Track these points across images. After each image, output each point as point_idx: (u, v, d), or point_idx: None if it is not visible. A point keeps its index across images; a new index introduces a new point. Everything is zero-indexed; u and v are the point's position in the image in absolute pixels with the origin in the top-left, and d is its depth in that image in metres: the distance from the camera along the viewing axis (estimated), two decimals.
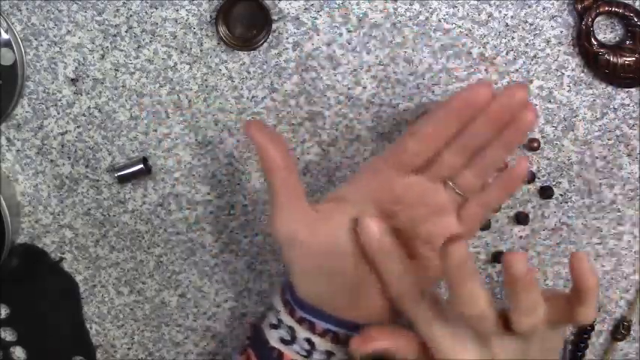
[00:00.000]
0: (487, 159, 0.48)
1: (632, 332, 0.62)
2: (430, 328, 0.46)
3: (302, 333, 0.50)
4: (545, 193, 0.59)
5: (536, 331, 0.44)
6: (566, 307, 0.44)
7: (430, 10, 0.55)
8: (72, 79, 0.58)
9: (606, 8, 0.54)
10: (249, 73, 0.57)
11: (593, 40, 0.55)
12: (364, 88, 0.57)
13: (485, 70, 0.56)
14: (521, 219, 0.60)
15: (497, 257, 0.61)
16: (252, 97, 0.58)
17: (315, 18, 0.56)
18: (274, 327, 0.51)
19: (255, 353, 0.52)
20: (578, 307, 0.43)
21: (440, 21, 0.56)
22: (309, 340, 0.50)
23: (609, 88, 0.57)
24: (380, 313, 0.50)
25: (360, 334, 0.48)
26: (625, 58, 0.55)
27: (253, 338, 0.53)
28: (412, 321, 0.48)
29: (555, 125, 0.58)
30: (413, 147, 0.47)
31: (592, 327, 0.62)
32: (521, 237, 0.60)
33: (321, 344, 0.50)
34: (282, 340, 0.50)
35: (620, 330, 0.61)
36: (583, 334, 0.62)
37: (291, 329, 0.50)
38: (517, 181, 0.48)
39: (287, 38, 0.56)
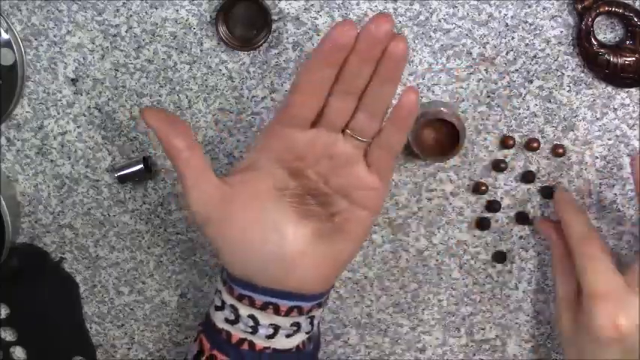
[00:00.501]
0: (373, 97, 0.47)
1: None
2: (582, 241, 0.54)
3: (244, 310, 0.50)
4: (545, 192, 0.59)
5: None
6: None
7: (430, 10, 0.55)
8: (72, 79, 0.58)
9: (606, 8, 0.54)
10: (249, 73, 0.57)
11: (593, 40, 0.55)
12: None
13: (486, 70, 0.56)
14: (521, 219, 0.60)
15: (497, 257, 0.61)
16: (252, 97, 0.58)
17: (315, 18, 0.56)
18: (219, 308, 0.51)
19: (206, 338, 0.52)
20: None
21: (440, 21, 0.56)
22: (252, 317, 0.50)
23: (609, 88, 0.57)
24: (316, 279, 0.50)
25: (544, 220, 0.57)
26: (625, 58, 0.55)
27: (204, 323, 0.53)
28: (568, 234, 0.55)
29: (555, 125, 0.58)
30: (297, 99, 0.46)
31: None
32: (521, 237, 0.60)
33: (264, 318, 0.49)
34: (227, 320, 0.50)
35: None
36: None
37: (233, 308, 0.50)
38: (408, 114, 0.47)
39: (287, 38, 0.56)
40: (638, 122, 0.57)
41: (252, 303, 0.50)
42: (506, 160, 0.58)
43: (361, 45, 0.44)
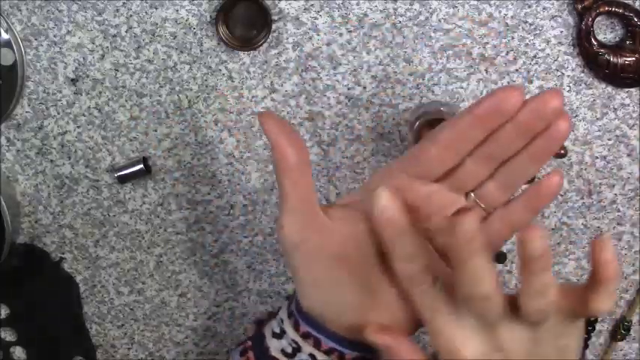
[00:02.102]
0: (514, 171, 0.44)
1: (631, 332, 0.62)
2: (433, 314, 0.43)
3: (306, 348, 0.47)
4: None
5: (547, 319, 0.41)
6: (581, 297, 0.40)
7: (430, 10, 0.55)
8: (72, 79, 0.58)
9: (606, 8, 0.54)
10: (249, 73, 0.57)
11: (593, 40, 0.55)
12: (364, 88, 0.57)
13: (486, 70, 0.56)
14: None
15: (497, 258, 0.61)
16: (252, 97, 0.58)
17: (315, 18, 0.56)
18: (277, 336, 0.48)
19: (255, 358, 0.49)
20: (595, 296, 0.39)
21: (440, 21, 0.56)
22: (312, 356, 0.47)
23: (609, 88, 0.57)
24: None
25: (376, 324, 0.45)
26: (625, 58, 0.55)
27: (255, 340, 0.50)
28: (416, 305, 0.44)
29: None
30: (434, 153, 0.43)
31: (593, 327, 0.62)
32: None
33: None
34: (284, 352, 0.48)
35: (620, 330, 0.61)
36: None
37: (294, 342, 0.47)
38: (546, 197, 0.44)
39: (287, 38, 0.56)
40: (638, 122, 0.57)
41: (317, 345, 0.46)
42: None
43: (525, 115, 0.41)
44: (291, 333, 0.48)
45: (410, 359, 0.44)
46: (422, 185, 0.45)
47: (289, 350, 0.48)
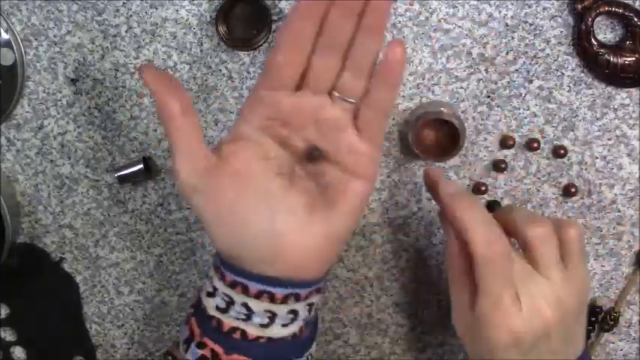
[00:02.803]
0: (358, 52, 0.44)
1: (620, 323, 0.62)
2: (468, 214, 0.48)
3: (237, 297, 0.47)
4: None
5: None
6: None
7: (430, 10, 0.55)
8: (72, 79, 0.58)
9: (606, 8, 0.54)
10: (249, 73, 0.57)
11: (593, 40, 0.55)
12: None
13: (486, 70, 0.56)
14: None
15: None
16: None
17: None
18: (210, 294, 0.49)
19: (197, 323, 0.49)
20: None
21: (440, 21, 0.56)
22: (245, 305, 0.47)
23: (609, 88, 0.57)
24: (311, 262, 0.47)
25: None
26: (625, 58, 0.55)
27: (195, 306, 0.51)
28: (449, 201, 0.49)
29: (555, 125, 0.58)
30: (278, 59, 0.45)
31: (593, 327, 0.62)
32: None
33: (259, 306, 0.47)
34: (219, 308, 0.48)
35: (607, 321, 0.61)
36: None
37: (226, 296, 0.48)
38: (395, 68, 0.44)
39: None
40: (638, 122, 0.57)
41: (245, 291, 0.47)
42: (506, 160, 0.58)
43: None
44: (220, 287, 0.48)
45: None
46: (285, 97, 0.46)
47: (223, 305, 0.48)
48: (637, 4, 0.54)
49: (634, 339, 0.63)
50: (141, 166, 0.59)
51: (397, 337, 0.64)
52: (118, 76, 0.58)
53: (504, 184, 0.59)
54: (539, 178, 0.59)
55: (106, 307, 0.64)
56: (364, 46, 0.44)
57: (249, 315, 0.47)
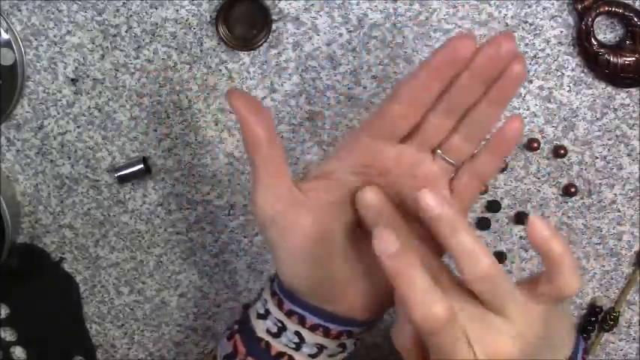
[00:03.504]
0: (475, 120, 0.44)
1: (620, 323, 0.62)
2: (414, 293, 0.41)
3: (291, 326, 0.47)
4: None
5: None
6: (546, 285, 0.40)
7: (430, 10, 0.55)
8: (72, 79, 0.58)
9: (606, 8, 0.54)
10: (249, 73, 0.57)
11: (593, 40, 0.55)
12: (364, 88, 0.57)
13: None
14: (521, 219, 0.60)
15: (497, 257, 0.61)
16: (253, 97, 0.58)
17: (315, 18, 0.56)
18: (262, 317, 0.48)
19: (242, 342, 0.49)
20: (556, 279, 0.40)
21: (440, 21, 0.56)
22: (298, 334, 0.47)
23: (609, 88, 0.57)
24: (373, 304, 0.47)
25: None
26: (625, 58, 0.55)
27: (241, 324, 0.50)
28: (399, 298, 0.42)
29: (555, 125, 0.58)
30: (396, 111, 0.43)
31: (593, 327, 0.62)
32: (521, 237, 0.60)
33: (311, 338, 0.47)
34: (269, 332, 0.48)
35: (607, 321, 0.61)
36: (582, 333, 0.62)
37: (279, 321, 0.47)
38: (509, 141, 0.44)
39: (287, 38, 0.56)
40: (638, 122, 0.57)
41: (301, 322, 0.47)
42: (506, 160, 0.58)
43: (479, 61, 0.41)
44: (275, 312, 0.48)
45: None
46: (389, 147, 0.45)
47: (274, 330, 0.48)
48: (637, 4, 0.54)
49: (634, 339, 0.63)
50: (141, 166, 0.59)
51: None
52: (118, 76, 0.58)
53: (504, 184, 0.59)
54: (539, 178, 0.59)
55: (106, 307, 0.64)
56: (485, 115, 0.43)
57: (299, 344, 0.47)
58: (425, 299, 0.39)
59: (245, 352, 0.49)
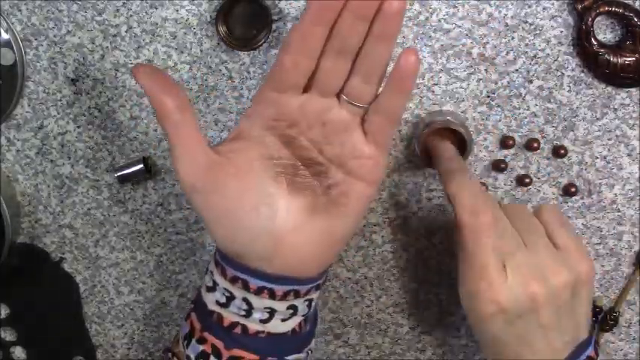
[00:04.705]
0: (368, 58, 0.44)
1: (620, 323, 0.62)
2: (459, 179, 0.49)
3: (238, 293, 0.48)
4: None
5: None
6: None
7: (430, 10, 0.55)
8: (72, 79, 0.58)
9: (606, 8, 0.54)
10: (249, 73, 0.57)
11: (593, 40, 0.55)
12: None
13: (485, 70, 0.56)
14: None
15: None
16: (252, 97, 0.58)
17: None
18: (210, 289, 0.49)
19: (197, 318, 0.50)
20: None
21: (440, 21, 0.56)
22: (245, 300, 0.47)
23: (609, 88, 0.57)
24: (309, 259, 0.48)
25: None
26: (625, 58, 0.55)
27: (196, 302, 0.51)
28: (444, 177, 0.50)
29: (555, 125, 0.58)
30: (287, 60, 0.44)
31: (593, 327, 0.62)
32: None
33: (259, 302, 0.47)
34: (219, 303, 0.48)
35: (607, 321, 0.61)
36: None
37: (226, 290, 0.48)
38: (407, 75, 0.44)
39: None
40: (638, 122, 0.57)
41: (245, 286, 0.47)
42: (506, 160, 0.58)
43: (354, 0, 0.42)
44: (221, 282, 0.49)
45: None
46: (292, 98, 0.46)
47: (223, 300, 0.48)
48: (637, 4, 0.54)
49: (634, 339, 0.63)
50: (141, 166, 0.59)
51: (397, 337, 0.64)
52: (118, 76, 0.58)
53: (504, 184, 0.59)
54: (539, 178, 0.59)
55: (106, 307, 0.64)
56: (375, 51, 0.44)
57: (249, 310, 0.48)
58: (473, 201, 0.48)
59: (200, 328, 0.49)
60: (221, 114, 0.58)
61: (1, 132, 0.59)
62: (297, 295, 0.48)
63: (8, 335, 0.64)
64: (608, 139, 0.58)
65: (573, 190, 0.58)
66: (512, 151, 0.58)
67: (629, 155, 0.58)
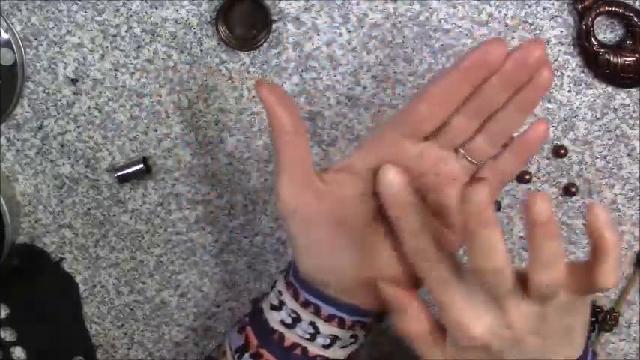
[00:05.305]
0: (500, 124, 0.44)
1: (620, 323, 0.62)
2: (444, 288, 0.43)
3: (306, 316, 0.47)
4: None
5: (555, 295, 0.41)
6: (585, 275, 0.41)
7: (430, 10, 0.55)
8: (72, 79, 0.58)
9: (606, 8, 0.54)
10: (249, 73, 0.57)
11: (593, 40, 0.55)
12: (364, 88, 0.57)
13: None
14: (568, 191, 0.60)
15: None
16: (252, 97, 0.58)
17: (315, 18, 0.56)
18: (275, 308, 0.49)
19: (254, 332, 0.49)
20: (598, 270, 0.40)
21: (440, 21, 0.56)
22: (313, 324, 0.47)
23: (609, 88, 0.57)
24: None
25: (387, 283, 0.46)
26: (625, 58, 0.55)
27: (253, 316, 0.50)
28: (425, 281, 0.44)
29: (555, 125, 0.58)
30: (423, 111, 0.43)
31: (593, 327, 0.62)
32: (521, 237, 0.60)
33: (326, 328, 0.47)
34: (283, 323, 0.48)
35: (607, 321, 0.61)
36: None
37: (294, 312, 0.48)
38: (533, 145, 0.45)
39: (287, 38, 0.56)
40: (638, 122, 0.57)
41: (317, 312, 0.47)
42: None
43: (508, 67, 0.41)
44: (290, 303, 0.48)
45: (416, 316, 0.45)
46: (412, 144, 0.45)
47: (289, 321, 0.48)
48: (637, 4, 0.54)
49: (634, 339, 0.63)
50: (141, 166, 0.59)
51: (397, 337, 0.64)
52: (118, 76, 0.58)
53: None
54: (539, 178, 0.59)
55: (106, 307, 0.64)
56: (510, 119, 0.44)
57: (314, 335, 0.48)
58: (464, 316, 0.42)
59: (257, 344, 0.49)
60: (221, 114, 0.59)
61: (1, 132, 0.59)
62: (363, 326, 0.48)
63: (8, 335, 0.64)
64: (608, 139, 0.58)
65: (573, 190, 0.58)
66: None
67: (629, 155, 0.58)
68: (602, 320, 0.61)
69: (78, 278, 0.63)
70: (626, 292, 0.61)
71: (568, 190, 0.58)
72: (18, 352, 0.65)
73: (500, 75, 0.42)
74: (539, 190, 0.59)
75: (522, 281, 0.41)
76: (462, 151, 0.46)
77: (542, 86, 0.43)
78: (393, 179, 0.44)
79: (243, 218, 0.61)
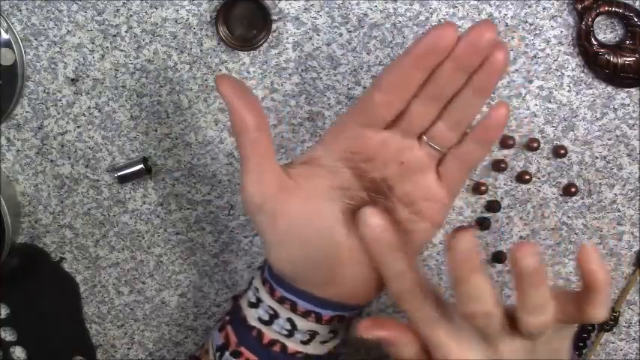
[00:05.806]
0: (460, 108, 0.44)
1: (620, 323, 0.62)
2: (432, 328, 0.43)
3: (283, 313, 0.47)
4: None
5: (545, 333, 0.42)
6: (575, 305, 0.41)
7: (430, 10, 0.55)
8: (72, 79, 0.58)
9: (606, 8, 0.54)
10: (249, 73, 0.57)
11: (593, 40, 0.55)
12: (364, 88, 0.57)
13: None
14: (498, 258, 0.60)
15: (497, 257, 0.61)
16: None
17: (315, 18, 0.56)
18: (253, 305, 0.49)
19: (234, 332, 0.49)
20: (588, 305, 0.40)
21: (440, 21, 0.56)
22: (290, 321, 0.47)
23: (609, 88, 0.57)
24: (362, 289, 0.48)
25: (366, 319, 0.46)
26: (625, 58, 0.55)
27: (232, 314, 0.51)
28: (412, 320, 0.44)
29: (555, 125, 0.58)
30: (379, 99, 0.43)
31: (593, 327, 0.62)
32: (521, 237, 0.60)
33: (304, 324, 0.47)
34: (261, 320, 0.48)
35: (607, 321, 0.61)
36: (582, 333, 0.62)
37: (271, 309, 0.48)
38: (495, 129, 0.44)
39: (287, 38, 0.56)
40: (638, 122, 0.57)
41: (293, 308, 0.47)
42: (506, 160, 0.58)
43: (460, 50, 0.41)
44: (267, 300, 0.48)
45: (411, 345, 0.45)
46: (374, 134, 0.45)
47: (266, 318, 0.48)
48: (637, 4, 0.54)
49: (634, 339, 0.63)
50: (141, 166, 0.59)
51: None
52: (118, 76, 0.58)
53: (504, 184, 0.59)
54: (539, 178, 0.59)
55: (106, 307, 0.64)
56: (469, 103, 0.44)
57: (292, 331, 0.48)
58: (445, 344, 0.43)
59: (237, 342, 0.49)
60: (221, 114, 0.59)
61: (1, 132, 0.59)
62: (341, 320, 0.48)
63: (8, 335, 0.64)
64: (608, 139, 0.58)
65: (573, 190, 0.58)
66: (512, 151, 0.58)
67: (629, 155, 0.58)
68: (602, 320, 0.61)
69: (78, 278, 0.63)
70: (626, 292, 0.61)
71: (568, 190, 0.58)
72: (18, 352, 0.65)
73: (452, 59, 0.42)
74: (539, 191, 0.59)
75: (511, 318, 0.42)
76: (424, 138, 0.46)
77: (497, 68, 0.42)
78: (375, 224, 0.44)
79: (243, 218, 0.61)
